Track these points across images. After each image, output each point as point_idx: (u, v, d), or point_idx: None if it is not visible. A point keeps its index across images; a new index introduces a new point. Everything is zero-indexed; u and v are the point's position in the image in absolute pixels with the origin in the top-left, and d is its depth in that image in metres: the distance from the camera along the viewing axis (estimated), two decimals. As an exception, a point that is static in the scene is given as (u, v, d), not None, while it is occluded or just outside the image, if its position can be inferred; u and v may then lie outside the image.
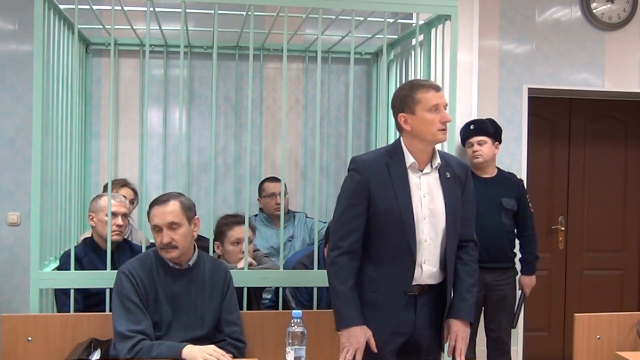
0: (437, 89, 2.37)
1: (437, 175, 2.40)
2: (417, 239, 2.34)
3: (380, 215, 2.33)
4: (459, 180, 2.44)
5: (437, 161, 2.40)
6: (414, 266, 2.34)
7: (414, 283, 2.37)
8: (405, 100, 2.35)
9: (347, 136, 3.14)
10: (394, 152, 2.40)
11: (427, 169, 2.39)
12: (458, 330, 2.39)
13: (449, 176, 2.41)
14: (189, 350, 2.36)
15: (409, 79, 3.27)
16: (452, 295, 2.45)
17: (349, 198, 2.37)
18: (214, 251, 3.08)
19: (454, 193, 2.41)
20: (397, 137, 2.49)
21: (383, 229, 2.34)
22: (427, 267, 2.37)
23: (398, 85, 3.15)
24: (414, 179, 2.37)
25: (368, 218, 2.35)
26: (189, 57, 4.38)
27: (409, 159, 2.37)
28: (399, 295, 2.36)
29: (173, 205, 2.55)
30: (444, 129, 2.34)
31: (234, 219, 3.17)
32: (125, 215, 3.24)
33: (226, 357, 2.37)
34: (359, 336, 2.30)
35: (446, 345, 2.46)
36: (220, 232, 3.15)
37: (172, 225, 2.52)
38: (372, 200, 2.34)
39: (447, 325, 2.42)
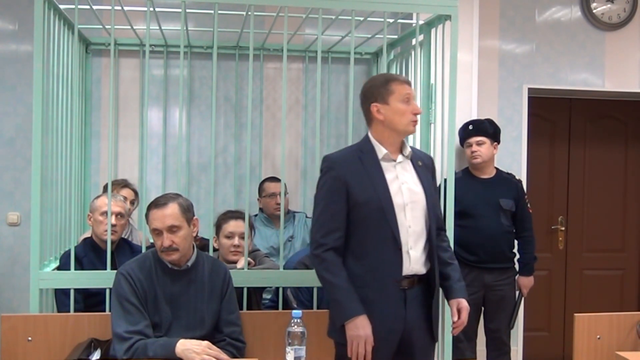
0: (410, 83, 2.48)
1: (410, 163, 2.47)
2: (399, 226, 2.36)
3: (360, 207, 2.36)
4: (429, 169, 2.53)
5: (408, 150, 2.47)
6: (401, 254, 2.36)
7: (404, 273, 2.37)
8: (378, 90, 2.41)
9: (347, 136, 3.14)
10: (364, 146, 2.46)
11: (399, 158, 2.45)
12: (466, 307, 2.47)
13: (420, 164, 2.49)
14: (182, 349, 2.36)
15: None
16: (444, 279, 2.51)
17: (329, 195, 2.39)
18: (214, 247, 3.10)
19: (428, 180, 2.48)
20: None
21: (364, 221, 2.36)
22: (414, 254, 2.38)
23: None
24: (389, 168, 2.42)
25: (347, 212, 2.37)
26: (189, 57, 4.38)
27: (381, 151, 2.42)
28: (391, 286, 2.36)
29: (172, 208, 2.55)
30: (415, 121, 2.43)
31: (232, 214, 3.21)
32: (120, 215, 3.24)
33: (223, 356, 2.38)
34: (365, 327, 2.29)
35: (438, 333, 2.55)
36: (217, 226, 3.19)
37: (172, 229, 2.52)
38: (350, 194, 2.36)
39: (455, 303, 2.47)
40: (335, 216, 2.36)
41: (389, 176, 2.40)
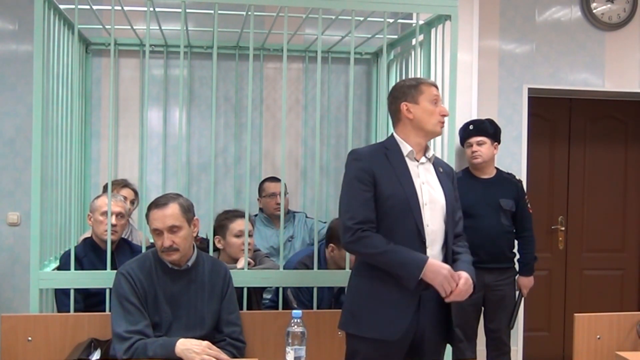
0: (437, 87, 2.52)
1: (432, 167, 2.50)
2: (423, 222, 2.37)
3: (385, 200, 2.36)
4: (449, 177, 2.55)
5: (431, 153, 2.50)
6: (424, 247, 2.36)
7: None
8: (409, 90, 2.45)
9: (347, 136, 3.14)
10: (390, 144, 2.48)
11: (422, 160, 2.48)
12: (466, 277, 2.36)
13: (441, 171, 2.52)
14: (182, 349, 2.36)
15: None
16: (454, 262, 2.45)
17: (357, 184, 2.38)
18: (214, 247, 3.09)
19: (448, 186, 2.50)
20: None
21: (388, 215, 2.36)
22: (430, 252, 2.38)
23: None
24: (412, 166, 2.44)
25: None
26: (189, 57, 4.38)
27: (406, 148, 2.45)
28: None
29: (173, 209, 2.55)
30: (442, 122, 2.47)
31: (235, 213, 3.19)
32: (120, 215, 3.23)
33: (223, 356, 2.38)
34: (440, 265, 2.30)
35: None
36: (221, 226, 3.15)
37: (173, 229, 2.52)
38: (377, 186, 2.37)
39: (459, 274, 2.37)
40: (367, 203, 2.36)
41: (412, 174, 2.42)
